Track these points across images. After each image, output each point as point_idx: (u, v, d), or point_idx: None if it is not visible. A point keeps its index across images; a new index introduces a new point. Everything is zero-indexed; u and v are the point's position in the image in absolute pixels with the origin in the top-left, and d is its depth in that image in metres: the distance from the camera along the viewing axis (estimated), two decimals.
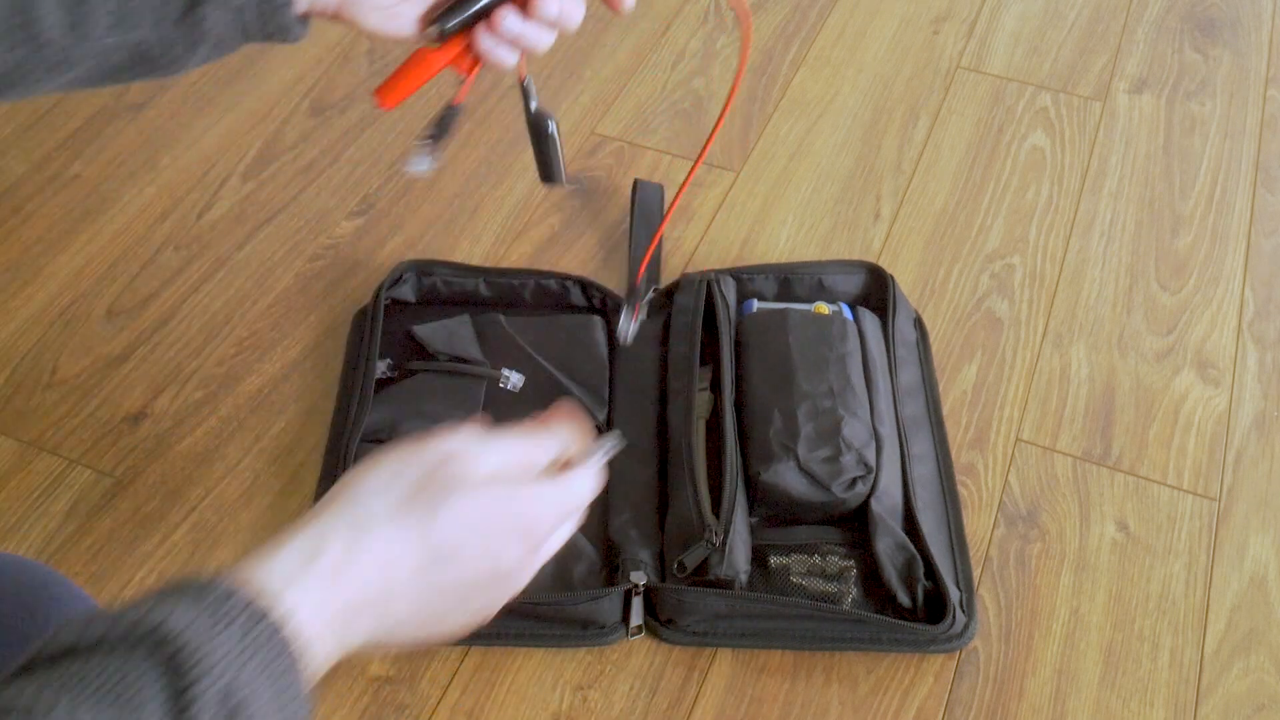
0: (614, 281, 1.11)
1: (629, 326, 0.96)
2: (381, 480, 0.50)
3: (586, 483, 0.55)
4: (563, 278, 1.08)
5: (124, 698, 0.40)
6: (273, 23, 0.62)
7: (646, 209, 1.17)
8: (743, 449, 0.93)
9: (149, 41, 0.61)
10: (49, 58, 0.60)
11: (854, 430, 0.91)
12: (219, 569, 0.45)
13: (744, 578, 0.87)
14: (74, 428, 1.01)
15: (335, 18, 0.66)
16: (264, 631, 0.44)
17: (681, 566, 0.87)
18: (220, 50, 0.63)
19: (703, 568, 0.87)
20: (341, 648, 0.47)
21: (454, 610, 0.52)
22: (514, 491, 0.52)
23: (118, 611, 0.43)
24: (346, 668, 0.87)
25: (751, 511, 0.92)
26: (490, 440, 0.52)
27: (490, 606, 0.53)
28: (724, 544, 0.86)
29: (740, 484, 0.91)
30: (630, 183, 1.19)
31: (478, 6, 0.71)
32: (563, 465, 0.55)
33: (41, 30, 0.58)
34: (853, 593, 0.89)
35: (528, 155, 1.23)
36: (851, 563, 0.90)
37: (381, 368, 1.00)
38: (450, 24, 0.69)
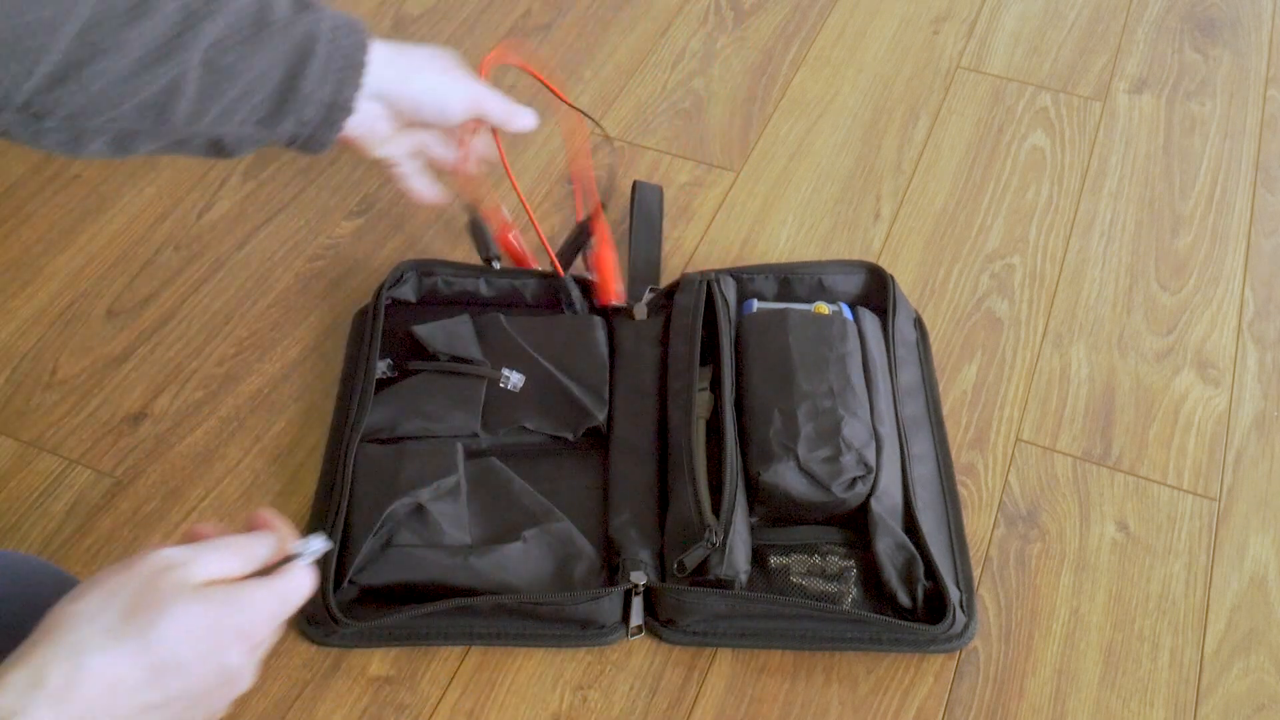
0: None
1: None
2: (95, 603, 0.52)
3: (301, 582, 0.58)
4: (563, 278, 1.08)
5: None
6: (319, 139, 0.78)
7: (646, 210, 1.17)
8: (743, 449, 0.93)
9: (230, 136, 0.75)
10: (160, 133, 0.72)
11: (854, 430, 0.91)
12: None
13: (744, 578, 0.87)
14: (74, 428, 1.01)
15: (350, 144, 0.83)
16: None
17: (681, 567, 0.87)
18: (262, 145, 0.78)
19: (703, 568, 0.87)
20: None
21: (192, 713, 0.55)
22: (230, 597, 0.55)
23: None
24: (346, 668, 0.87)
25: (751, 511, 0.92)
26: (199, 550, 0.56)
27: (218, 708, 0.56)
28: (724, 544, 0.86)
29: (740, 484, 0.91)
30: (630, 182, 1.19)
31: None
32: (275, 565, 0.58)
33: (175, 109, 0.71)
34: (853, 593, 0.89)
35: (527, 155, 1.24)
36: (851, 563, 0.90)
37: (381, 367, 1.00)
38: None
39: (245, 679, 0.57)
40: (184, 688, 0.53)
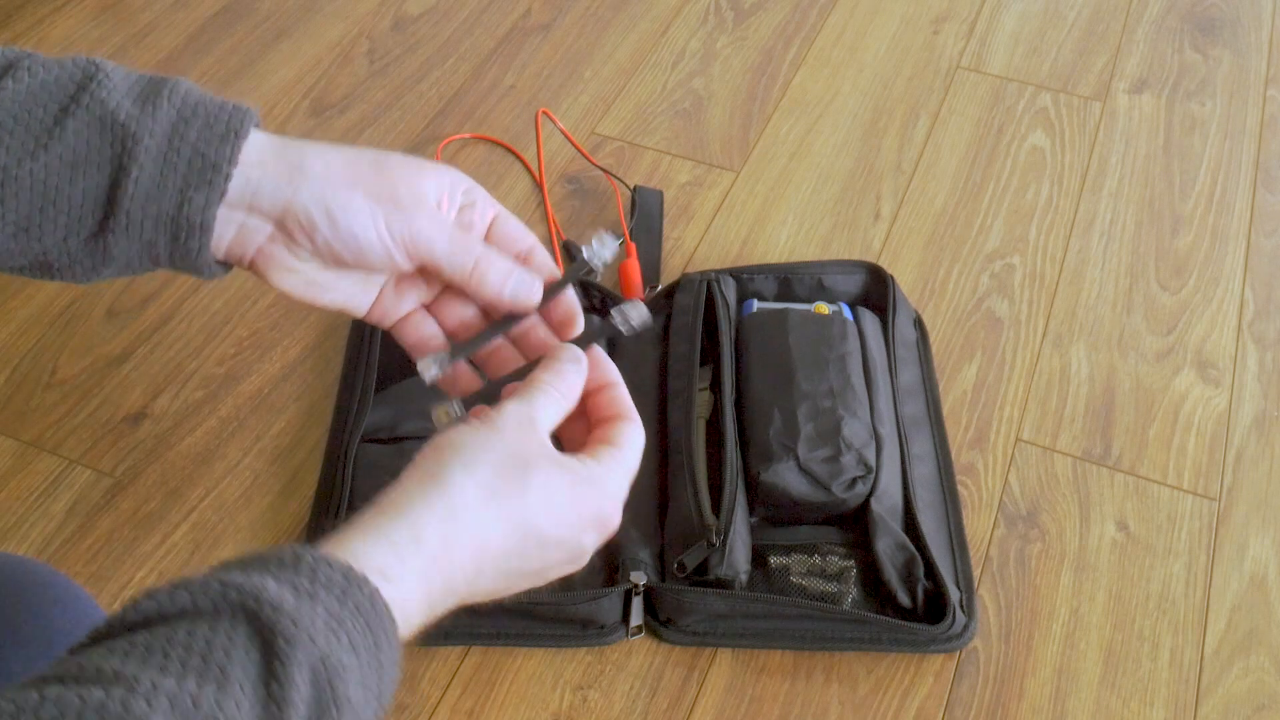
0: (613, 281, 1.11)
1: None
2: (471, 457, 0.51)
3: (638, 442, 0.56)
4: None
5: (213, 665, 0.39)
6: (185, 263, 0.58)
7: (646, 213, 1.17)
8: (743, 449, 0.93)
9: (51, 255, 0.57)
10: None
11: (854, 430, 0.91)
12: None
13: (744, 578, 0.87)
14: (74, 428, 1.01)
15: (250, 269, 0.59)
16: (359, 604, 0.44)
17: (681, 566, 0.87)
18: (132, 271, 0.59)
19: (703, 567, 0.87)
20: (427, 622, 0.49)
21: (530, 582, 0.55)
22: (593, 479, 0.54)
23: (202, 579, 0.42)
24: None
25: (751, 511, 0.92)
26: (538, 403, 0.54)
27: (558, 576, 0.56)
28: (724, 544, 0.86)
29: (740, 484, 0.91)
30: (630, 182, 1.19)
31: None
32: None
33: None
34: (853, 593, 0.89)
35: (526, 155, 1.23)
36: (851, 563, 0.90)
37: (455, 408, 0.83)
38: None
39: (585, 560, 0.56)
40: (541, 559, 0.53)
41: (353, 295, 0.60)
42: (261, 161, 0.56)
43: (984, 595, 0.92)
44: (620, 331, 0.63)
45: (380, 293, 0.61)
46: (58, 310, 1.09)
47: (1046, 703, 0.86)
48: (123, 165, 0.55)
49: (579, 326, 0.62)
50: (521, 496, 0.51)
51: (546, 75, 1.33)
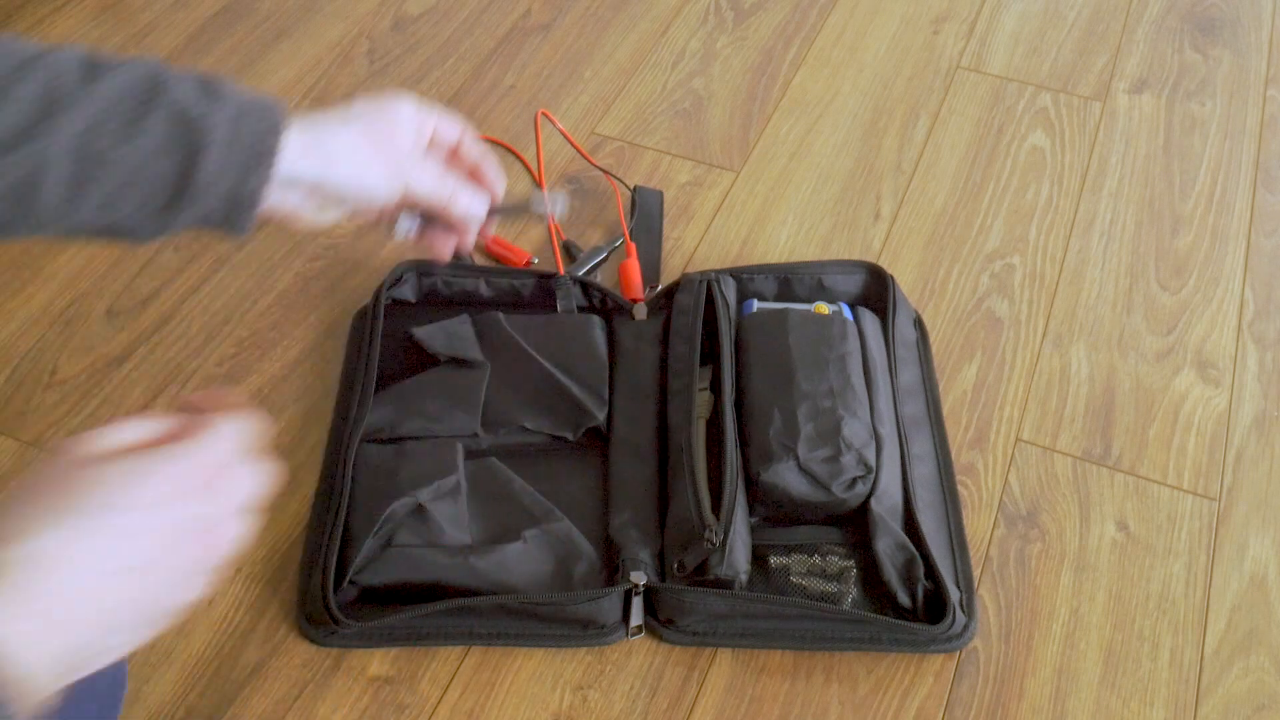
0: (613, 281, 1.11)
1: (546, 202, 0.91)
2: (27, 492, 0.49)
3: (239, 420, 0.55)
4: (562, 276, 1.08)
5: None
6: (231, 224, 0.71)
7: (647, 213, 1.17)
8: (743, 449, 0.93)
9: (124, 223, 0.69)
10: (35, 221, 0.67)
11: (854, 430, 0.91)
12: None
13: (744, 578, 0.87)
14: (74, 428, 1.01)
15: (272, 221, 0.75)
16: None
17: (681, 566, 0.87)
18: (177, 233, 0.72)
19: (703, 567, 0.87)
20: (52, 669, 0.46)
21: (174, 582, 0.52)
22: (167, 450, 0.52)
23: None
24: (346, 668, 0.87)
25: (751, 511, 0.92)
26: (109, 429, 0.53)
27: (211, 561, 0.53)
28: (724, 544, 0.86)
29: (740, 484, 0.91)
30: (630, 182, 1.19)
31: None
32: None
33: (40, 200, 0.66)
34: (853, 593, 0.89)
35: (526, 155, 1.23)
36: (851, 563, 0.90)
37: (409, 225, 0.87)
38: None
39: (228, 527, 0.53)
40: (149, 547, 0.50)
41: (330, 215, 0.77)
42: (301, 150, 0.71)
43: (984, 595, 0.92)
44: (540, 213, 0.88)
45: None
46: (58, 310, 1.09)
47: (1046, 703, 0.86)
48: (196, 152, 0.67)
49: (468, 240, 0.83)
50: (89, 495, 0.49)
51: (546, 75, 1.33)
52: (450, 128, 0.81)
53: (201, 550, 0.52)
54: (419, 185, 0.78)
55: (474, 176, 0.83)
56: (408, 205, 0.80)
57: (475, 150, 0.83)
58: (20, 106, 0.64)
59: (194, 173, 0.68)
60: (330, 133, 0.74)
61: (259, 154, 0.70)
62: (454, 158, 0.82)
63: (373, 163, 0.76)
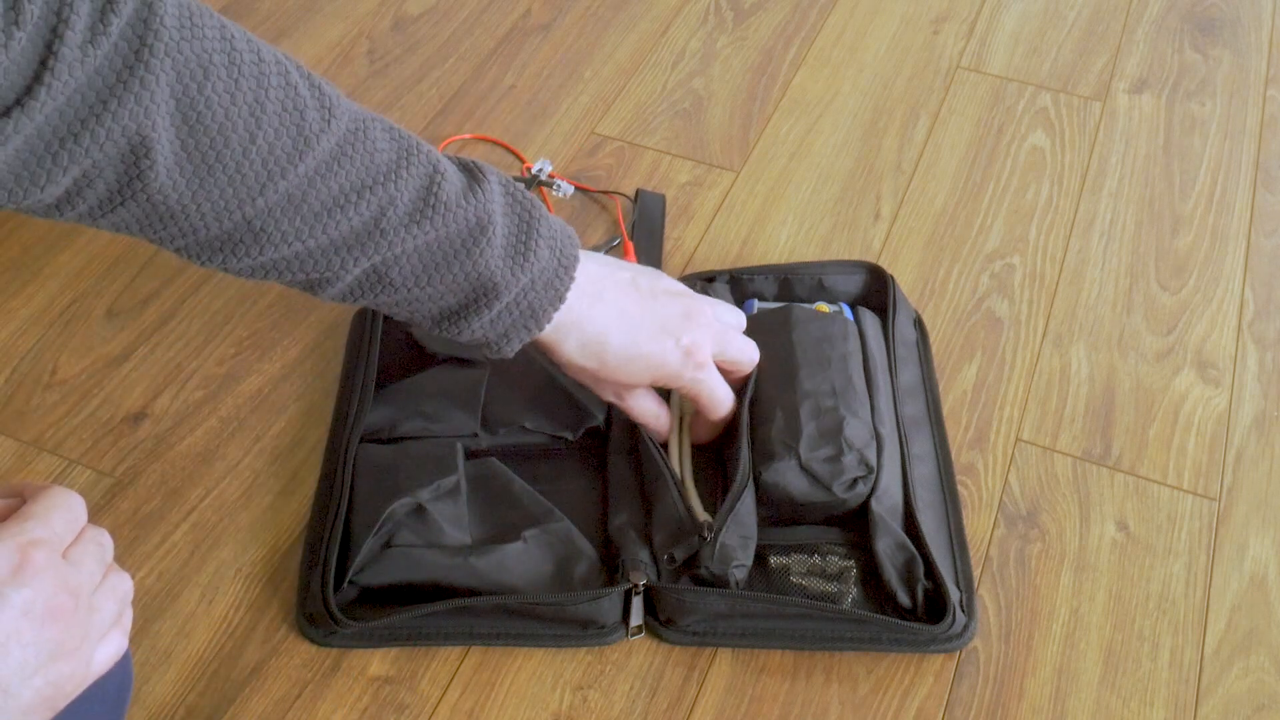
0: None
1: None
2: None
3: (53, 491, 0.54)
4: None
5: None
6: (479, 353, 0.79)
7: (648, 217, 1.17)
8: None
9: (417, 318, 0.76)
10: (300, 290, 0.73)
11: (855, 430, 0.91)
12: None
13: (740, 574, 0.87)
14: (74, 428, 1.01)
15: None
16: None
17: (671, 559, 0.87)
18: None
19: (695, 562, 0.87)
20: None
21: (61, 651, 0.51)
22: None
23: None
24: (346, 668, 0.87)
25: (755, 511, 0.92)
26: None
27: (96, 628, 0.52)
28: (715, 539, 0.86)
29: (750, 481, 0.91)
30: (630, 183, 1.19)
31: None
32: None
33: (320, 294, 0.71)
34: (853, 593, 0.89)
35: (526, 154, 1.23)
36: (851, 563, 0.90)
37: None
38: None
39: (85, 582, 0.52)
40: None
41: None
42: (563, 331, 0.78)
43: (984, 595, 0.92)
44: None
45: None
46: (58, 310, 1.09)
47: (1046, 703, 0.87)
48: (475, 308, 0.72)
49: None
50: None
51: (546, 75, 1.33)
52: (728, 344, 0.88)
53: (80, 616, 0.51)
54: (672, 383, 0.85)
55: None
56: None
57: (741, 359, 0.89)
58: (344, 229, 0.66)
59: (464, 320, 0.73)
60: (592, 322, 0.78)
61: (528, 323, 0.74)
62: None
63: (637, 351, 0.81)
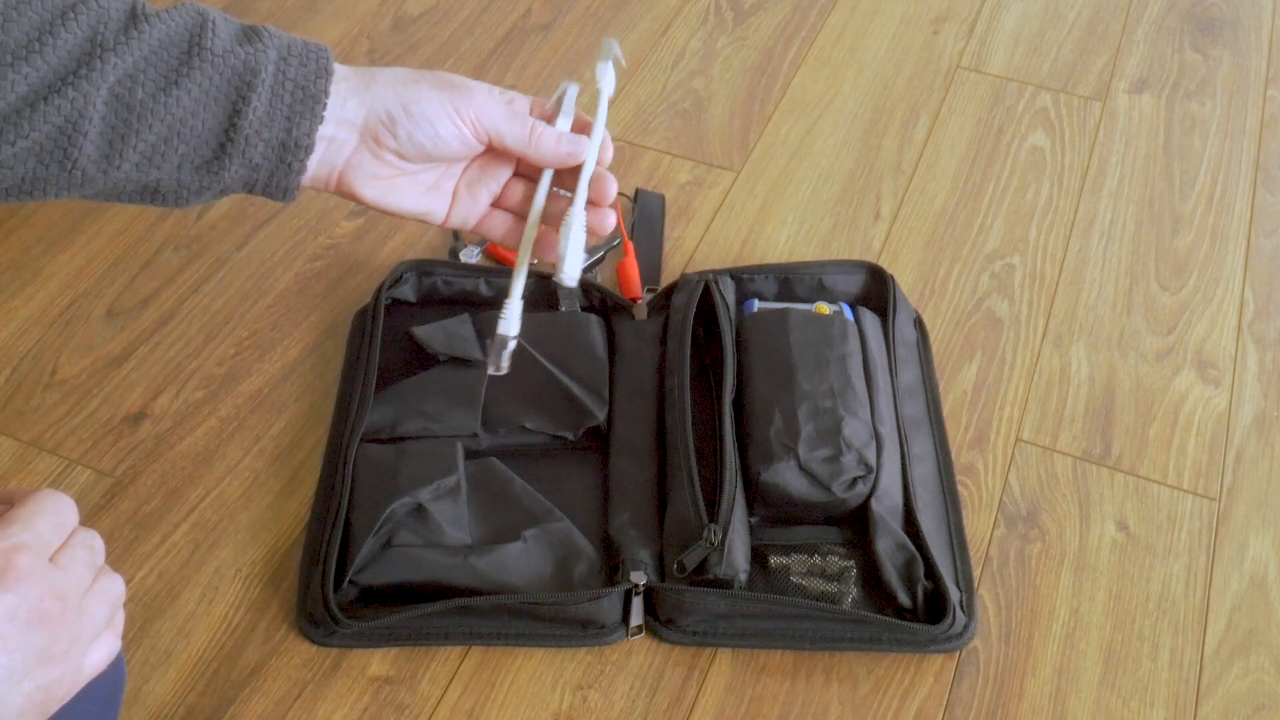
0: (613, 282, 1.11)
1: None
2: None
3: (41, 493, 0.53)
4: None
5: None
6: (280, 182, 0.67)
7: (648, 216, 1.17)
8: (743, 449, 0.93)
9: (164, 182, 0.66)
10: (71, 180, 0.64)
11: (854, 430, 0.91)
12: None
13: (743, 577, 0.87)
14: (74, 428, 1.01)
15: (337, 191, 0.70)
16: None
17: (681, 567, 0.87)
18: (218, 196, 0.69)
19: (702, 567, 0.87)
20: None
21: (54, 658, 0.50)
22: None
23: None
24: (346, 668, 0.87)
25: (751, 511, 0.92)
26: None
27: (87, 631, 0.52)
28: (723, 544, 0.86)
29: (740, 484, 0.91)
30: (630, 182, 1.19)
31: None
32: None
33: (77, 158, 0.63)
34: (853, 593, 0.89)
35: None
36: (851, 563, 0.90)
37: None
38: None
39: (74, 586, 0.51)
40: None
41: (431, 202, 0.71)
42: (344, 83, 0.67)
43: (984, 595, 0.92)
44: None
45: (454, 195, 0.72)
46: (58, 310, 1.09)
47: (1046, 703, 0.86)
48: (242, 99, 0.65)
49: (611, 190, 0.73)
50: None
51: (546, 75, 1.33)
52: (523, 97, 0.76)
53: (71, 619, 0.51)
54: (493, 118, 0.72)
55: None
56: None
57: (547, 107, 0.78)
58: (64, 49, 0.62)
59: (239, 121, 0.65)
60: (376, 69, 0.69)
61: (307, 96, 0.66)
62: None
63: (425, 86, 0.69)
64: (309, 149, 0.67)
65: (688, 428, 0.94)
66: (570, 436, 0.98)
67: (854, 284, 1.07)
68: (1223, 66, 1.36)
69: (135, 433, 1.00)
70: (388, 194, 0.70)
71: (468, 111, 0.70)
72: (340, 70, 0.68)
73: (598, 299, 1.07)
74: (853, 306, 1.04)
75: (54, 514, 0.53)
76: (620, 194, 1.18)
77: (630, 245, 1.12)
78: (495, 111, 0.72)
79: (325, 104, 0.67)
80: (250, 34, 0.66)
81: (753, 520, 0.92)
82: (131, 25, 0.63)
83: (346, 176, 0.69)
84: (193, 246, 1.14)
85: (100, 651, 0.53)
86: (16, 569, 0.49)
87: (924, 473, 0.95)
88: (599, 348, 1.02)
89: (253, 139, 0.66)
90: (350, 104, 0.67)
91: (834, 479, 0.90)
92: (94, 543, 0.55)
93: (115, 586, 0.54)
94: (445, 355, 1.01)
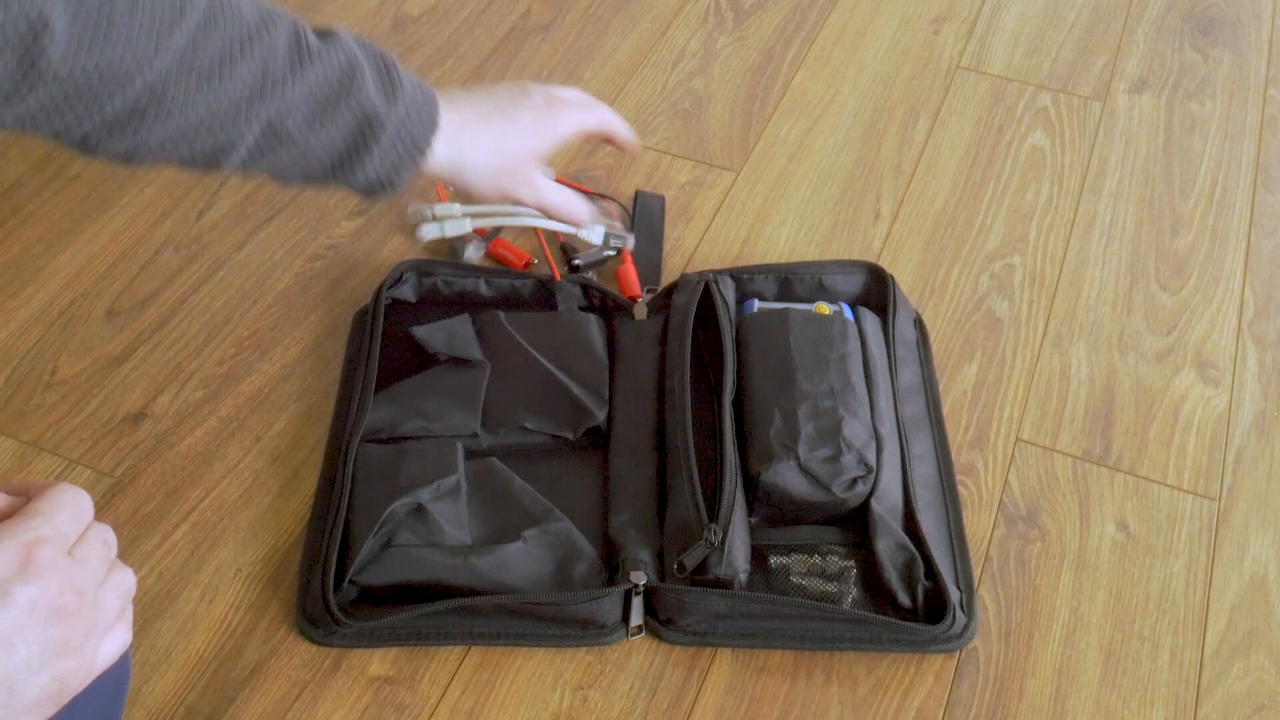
0: (613, 282, 1.11)
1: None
2: None
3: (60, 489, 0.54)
4: (559, 281, 1.08)
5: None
6: (370, 197, 0.80)
7: (648, 217, 1.17)
8: (743, 449, 0.93)
9: (275, 178, 0.77)
10: (201, 171, 0.74)
11: (854, 430, 0.91)
12: None
13: (744, 577, 0.87)
14: (74, 428, 1.01)
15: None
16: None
17: (681, 567, 0.87)
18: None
19: (702, 567, 0.87)
20: None
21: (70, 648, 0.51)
22: None
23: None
24: (346, 668, 0.87)
25: (751, 511, 0.92)
26: None
27: (100, 622, 0.52)
28: (723, 544, 0.86)
29: (740, 484, 0.91)
30: (630, 182, 1.19)
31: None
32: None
33: (219, 163, 0.73)
34: (853, 593, 0.89)
35: None
36: (852, 563, 0.90)
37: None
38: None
39: (90, 579, 0.52)
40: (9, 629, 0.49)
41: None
42: (443, 150, 0.80)
43: (984, 595, 0.92)
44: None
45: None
46: (58, 310, 1.09)
47: (1046, 703, 0.87)
48: (365, 144, 0.76)
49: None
50: None
51: (546, 75, 1.33)
52: (579, 115, 0.91)
53: (86, 611, 0.51)
54: (547, 204, 0.90)
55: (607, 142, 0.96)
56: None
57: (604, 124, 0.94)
58: (239, 81, 0.69)
59: (356, 161, 0.76)
60: (469, 141, 0.83)
61: (415, 149, 0.78)
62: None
63: (496, 176, 0.85)
64: (398, 189, 0.80)
65: (688, 428, 0.94)
66: (570, 436, 0.98)
67: (854, 284, 1.07)
68: (1223, 66, 1.36)
69: (135, 433, 1.00)
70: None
71: (527, 197, 0.89)
72: (446, 119, 0.80)
73: (598, 299, 1.07)
74: (853, 306, 1.04)
75: (73, 507, 0.54)
76: (614, 200, 1.18)
77: (627, 252, 1.12)
78: (551, 198, 0.90)
79: (426, 156, 0.79)
80: (388, 82, 0.76)
81: (753, 520, 0.92)
82: (296, 63, 0.72)
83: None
84: (193, 246, 1.14)
85: (113, 643, 0.54)
86: (38, 562, 0.50)
87: (924, 473, 0.95)
88: (599, 348, 1.02)
89: (360, 171, 0.77)
90: (440, 151, 0.80)
91: (834, 479, 0.90)
92: (108, 536, 0.55)
93: (127, 579, 0.55)
94: (445, 355, 1.01)
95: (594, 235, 1.07)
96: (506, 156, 0.86)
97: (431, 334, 1.02)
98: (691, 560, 0.87)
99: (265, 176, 0.76)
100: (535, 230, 1.13)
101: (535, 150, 0.88)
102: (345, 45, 0.75)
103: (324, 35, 0.76)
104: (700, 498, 0.89)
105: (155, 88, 0.67)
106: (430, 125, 0.79)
